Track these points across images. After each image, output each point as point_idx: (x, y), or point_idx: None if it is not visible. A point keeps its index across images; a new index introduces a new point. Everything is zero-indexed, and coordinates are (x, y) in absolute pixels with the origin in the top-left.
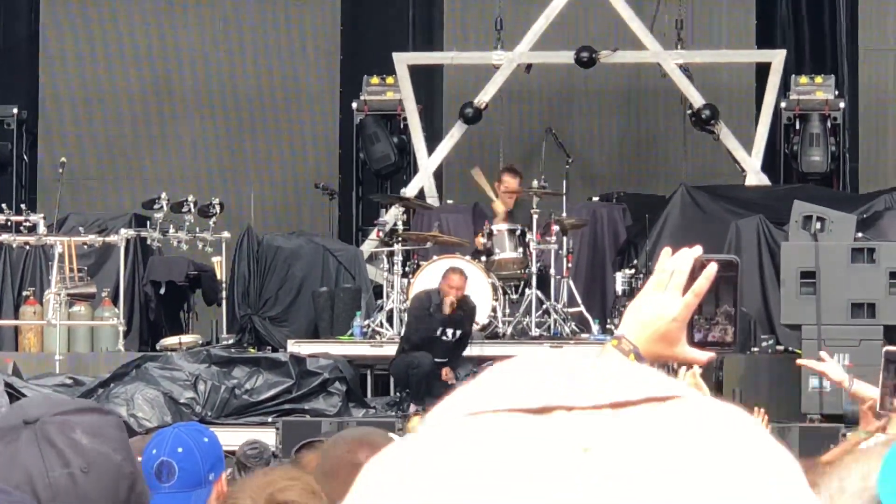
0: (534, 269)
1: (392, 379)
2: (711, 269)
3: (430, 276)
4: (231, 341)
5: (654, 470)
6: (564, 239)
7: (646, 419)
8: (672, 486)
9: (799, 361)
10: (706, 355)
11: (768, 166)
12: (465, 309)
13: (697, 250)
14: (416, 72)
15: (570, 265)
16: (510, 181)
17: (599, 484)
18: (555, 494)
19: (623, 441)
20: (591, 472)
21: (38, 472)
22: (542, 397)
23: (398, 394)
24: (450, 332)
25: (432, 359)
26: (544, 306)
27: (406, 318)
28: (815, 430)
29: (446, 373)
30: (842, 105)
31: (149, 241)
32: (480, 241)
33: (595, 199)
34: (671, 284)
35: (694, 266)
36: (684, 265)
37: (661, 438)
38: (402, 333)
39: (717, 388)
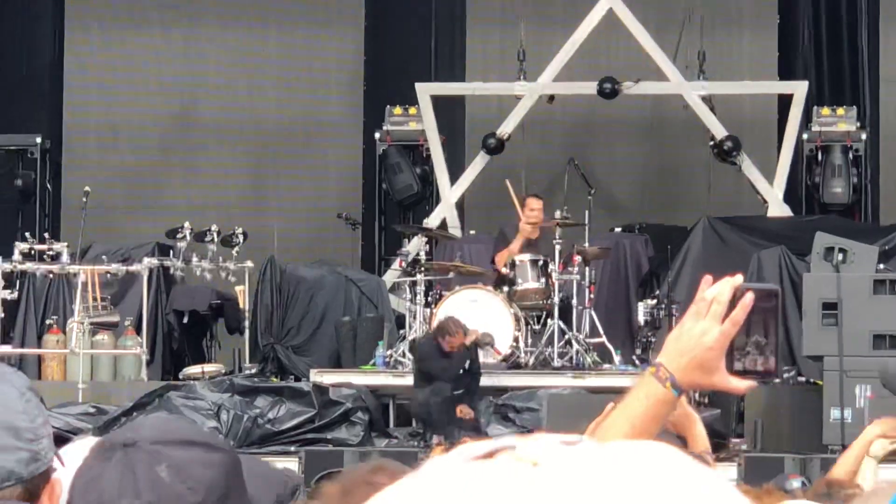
0: (556, 299)
1: (414, 417)
2: (748, 299)
3: (452, 305)
4: (254, 371)
5: (598, 480)
6: (587, 269)
7: (589, 446)
8: (612, 491)
9: None
10: (746, 384)
11: (790, 197)
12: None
13: (738, 279)
14: (439, 102)
15: (592, 295)
16: (535, 204)
17: (550, 492)
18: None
19: (568, 457)
20: (542, 482)
21: (108, 497)
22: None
23: (419, 426)
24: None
25: (450, 387)
26: (566, 336)
27: (414, 358)
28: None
29: (461, 410)
30: (863, 136)
31: (172, 271)
32: (503, 269)
33: (617, 229)
34: (710, 313)
35: (734, 295)
36: (723, 294)
37: (603, 456)
38: (414, 372)
39: (739, 419)
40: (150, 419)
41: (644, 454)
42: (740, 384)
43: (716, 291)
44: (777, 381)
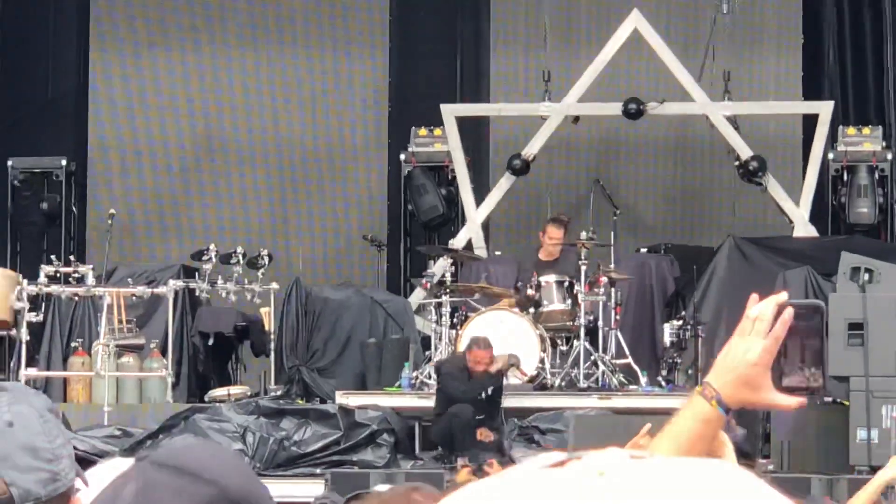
0: (582, 320)
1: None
2: (787, 314)
3: (478, 327)
4: (279, 393)
5: (661, 492)
6: (612, 290)
7: (655, 460)
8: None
9: None
10: (795, 400)
11: (816, 218)
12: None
13: (782, 296)
14: (464, 123)
15: (618, 316)
16: (554, 231)
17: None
18: None
19: (634, 469)
20: (606, 490)
21: None
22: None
23: (445, 450)
24: (487, 391)
25: (472, 408)
26: (592, 358)
27: (437, 383)
28: (863, 483)
29: (481, 433)
30: (889, 156)
31: (197, 293)
32: (529, 290)
33: (643, 250)
34: (754, 330)
35: (778, 312)
36: (767, 311)
37: (667, 468)
38: (436, 397)
39: (766, 440)
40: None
41: (707, 470)
42: (788, 401)
43: (759, 309)
44: (827, 397)
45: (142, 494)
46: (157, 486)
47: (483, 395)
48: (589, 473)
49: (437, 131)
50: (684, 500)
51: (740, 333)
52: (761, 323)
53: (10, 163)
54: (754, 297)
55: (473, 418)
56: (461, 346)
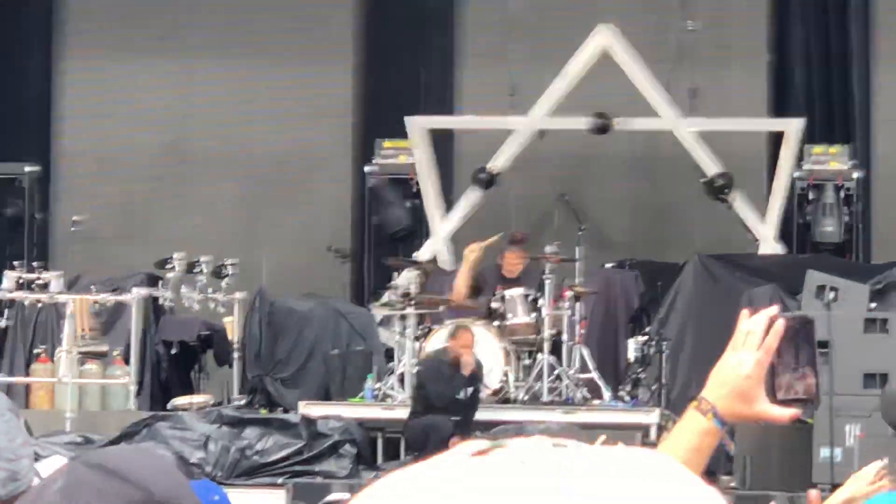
0: (546, 334)
1: (404, 442)
2: (779, 326)
3: (441, 339)
4: (242, 402)
5: (581, 472)
6: (577, 305)
7: (578, 448)
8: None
9: None
10: (789, 412)
11: (782, 235)
12: (476, 365)
13: (773, 310)
14: (430, 136)
15: (582, 331)
16: (512, 258)
17: (530, 488)
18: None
19: (555, 455)
20: (528, 476)
21: None
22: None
23: (409, 457)
24: (467, 390)
25: (451, 423)
26: (556, 372)
27: (417, 382)
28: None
29: (454, 444)
30: (856, 175)
31: (161, 301)
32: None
33: (608, 265)
34: (746, 343)
35: (769, 325)
36: (758, 325)
37: (588, 454)
38: (413, 396)
39: (728, 457)
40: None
41: (629, 455)
42: (783, 412)
43: (751, 323)
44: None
45: (66, 491)
46: (82, 485)
47: (462, 394)
48: (511, 461)
49: (403, 144)
50: (605, 483)
51: (733, 347)
52: (753, 336)
53: None
54: (745, 312)
55: (451, 436)
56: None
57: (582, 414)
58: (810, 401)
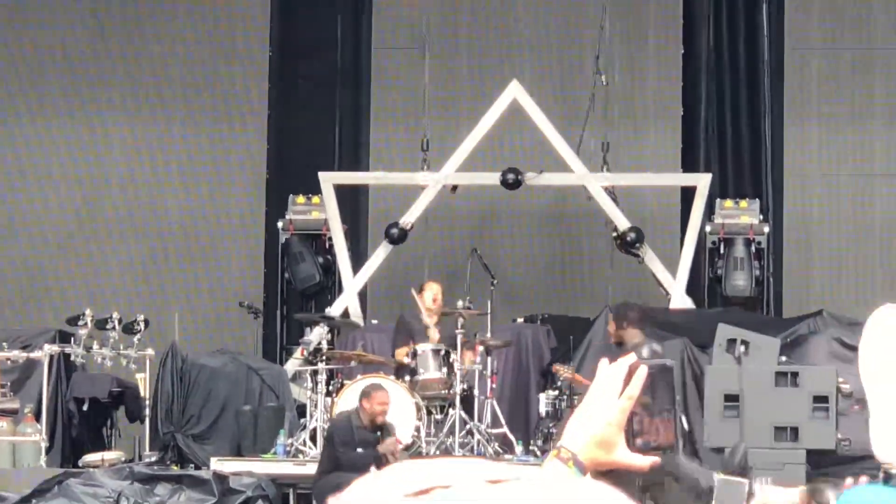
0: (458, 389)
1: (315, 501)
2: (642, 372)
3: (353, 395)
4: (154, 458)
5: None
6: (489, 359)
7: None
8: None
9: None
10: (648, 460)
11: (692, 289)
12: (388, 427)
13: (632, 357)
14: (343, 192)
15: (493, 386)
16: (433, 287)
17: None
18: None
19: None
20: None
21: None
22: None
23: None
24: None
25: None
26: (468, 426)
27: (327, 440)
28: None
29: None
30: (766, 229)
31: (72, 358)
32: (405, 359)
33: (520, 319)
34: (607, 391)
35: (629, 372)
36: (619, 372)
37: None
38: (322, 456)
39: None
40: None
41: (559, 489)
42: (643, 460)
43: (611, 371)
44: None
45: None
46: None
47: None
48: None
49: (316, 199)
50: None
51: (592, 395)
52: (614, 383)
53: None
54: (604, 360)
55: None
56: (336, 412)
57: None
58: (668, 447)
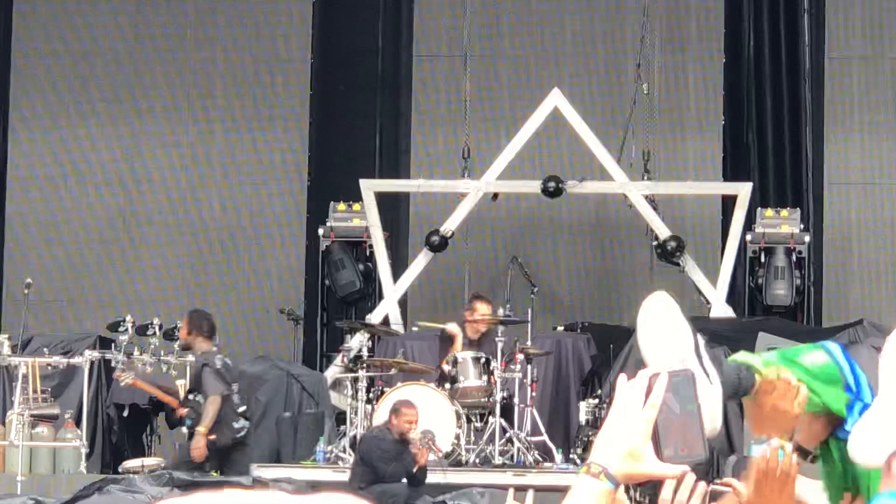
0: (498, 397)
1: None
2: (662, 380)
3: (394, 402)
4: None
5: None
6: (529, 367)
7: None
8: None
9: None
10: (679, 469)
11: (733, 299)
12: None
13: (651, 369)
14: (383, 199)
15: (534, 394)
16: (483, 308)
17: None
18: None
19: None
20: None
21: None
22: None
23: None
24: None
25: (406, 485)
26: (507, 435)
27: (360, 458)
28: None
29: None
30: (807, 239)
31: (113, 364)
32: (445, 367)
33: (560, 328)
34: (630, 404)
35: (650, 384)
36: (640, 383)
37: None
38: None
39: None
40: None
41: None
42: (673, 469)
43: (633, 383)
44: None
45: None
46: None
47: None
48: None
49: (357, 206)
50: None
51: (616, 409)
52: (637, 395)
53: None
54: (622, 376)
55: (409, 494)
56: (376, 421)
57: (532, 476)
58: (696, 457)
